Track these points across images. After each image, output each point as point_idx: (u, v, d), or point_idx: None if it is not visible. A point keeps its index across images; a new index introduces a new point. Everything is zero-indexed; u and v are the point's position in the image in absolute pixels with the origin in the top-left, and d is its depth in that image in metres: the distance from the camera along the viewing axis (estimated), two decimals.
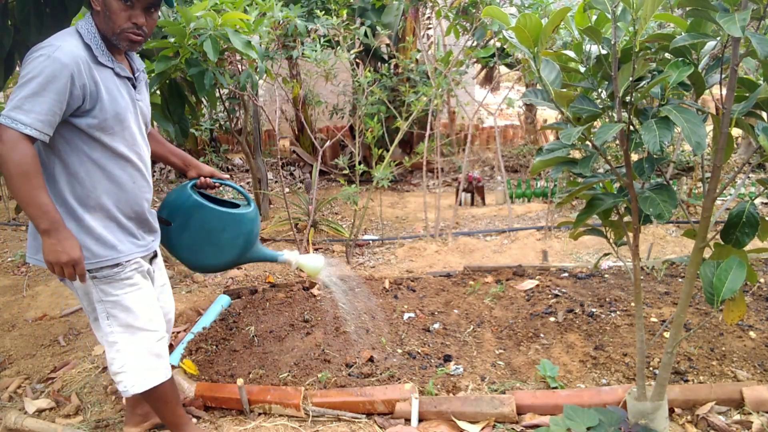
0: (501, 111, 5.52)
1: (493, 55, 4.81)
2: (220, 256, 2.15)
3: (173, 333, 2.93)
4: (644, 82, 1.55)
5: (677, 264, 3.48)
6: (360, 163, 4.15)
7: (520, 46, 1.54)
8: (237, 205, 2.22)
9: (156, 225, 1.98)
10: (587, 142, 1.63)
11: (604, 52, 1.57)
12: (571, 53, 1.70)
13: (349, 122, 5.70)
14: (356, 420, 2.19)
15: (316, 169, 4.30)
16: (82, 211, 1.75)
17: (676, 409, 2.11)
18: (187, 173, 2.20)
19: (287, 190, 6.18)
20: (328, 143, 4.42)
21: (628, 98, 1.53)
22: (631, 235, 1.79)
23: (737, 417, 2.06)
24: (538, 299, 3.09)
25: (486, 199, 5.69)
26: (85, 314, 3.36)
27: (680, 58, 1.49)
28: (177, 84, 3.08)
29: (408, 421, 2.16)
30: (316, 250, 4.42)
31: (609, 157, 1.66)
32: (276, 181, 6.68)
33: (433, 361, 2.53)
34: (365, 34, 4.53)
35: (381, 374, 2.41)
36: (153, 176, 2.20)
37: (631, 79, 1.49)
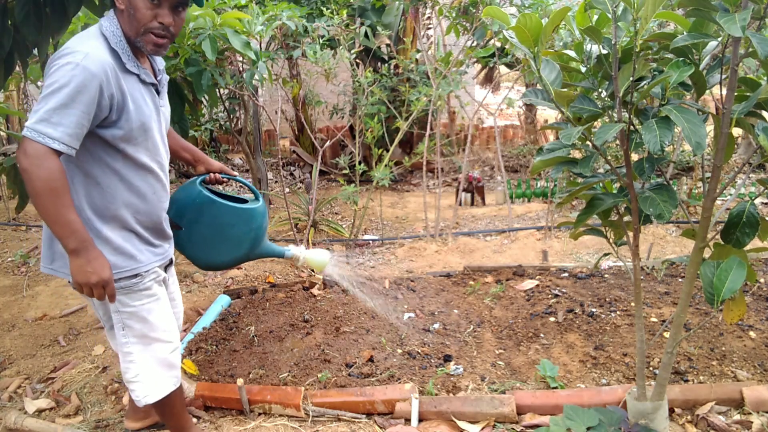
0: (501, 111, 5.51)
1: (493, 55, 4.81)
2: (230, 252, 2.12)
3: None
4: (645, 82, 1.55)
5: (677, 264, 3.48)
6: (360, 163, 4.15)
7: (520, 45, 1.54)
8: (244, 201, 2.20)
9: (170, 231, 1.93)
10: (587, 142, 1.63)
11: (604, 51, 1.57)
12: (571, 53, 1.70)
13: (349, 122, 5.70)
14: (356, 420, 2.19)
15: (316, 169, 4.30)
16: (100, 222, 1.69)
17: (676, 409, 2.11)
18: (196, 168, 2.15)
19: (287, 190, 6.18)
20: (328, 143, 4.43)
21: (628, 98, 1.53)
22: (631, 235, 1.79)
23: (737, 417, 2.06)
24: (538, 299, 3.09)
25: (486, 199, 5.69)
26: (84, 314, 3.37)
27: (681, 58, 1.49)
28: (177, 84, 3.08)
29: (408, 421, 2.16)
30: None
31: (609, 157, 1.66)
32: (276, 181, 6.68)
33: (433, 361, 2.53)
34: (365, 35, 4.53)
35: (381, 374, 2.41)
36: None
37: (631, 79, 1.49)
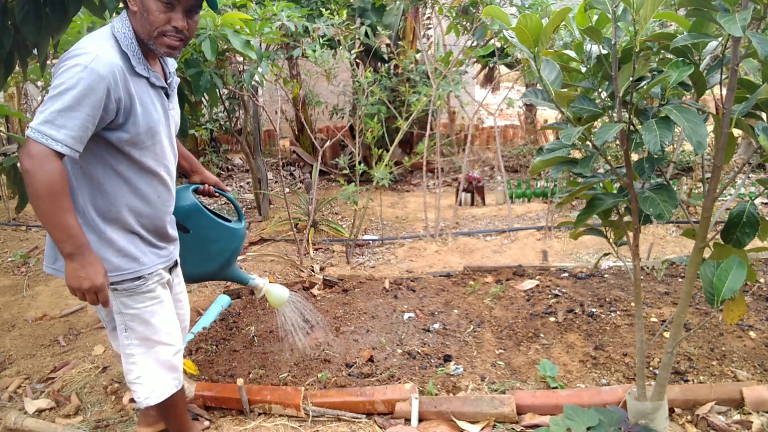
0: (501, 111, 5.51)
1: (492, 55, 4.81)
2: (201, 266, 2.12)
3: None
4: (645, 82, 1.55)
5: (677, 264, 3.48)
6: (360, 163, 4.15)
7: (520, 46, 1.54)
8: (227, 219, 2.21)
9: (175, 233, 1.91)
10: (587, 142, 1.63)
11: (604, 52, 1.57)
12: (571, 53, 1.70)
13: (349, 122, 5.70)
14: (356, 420, 2.19)
15: (316, 169, 4.30)
16: (103, 224, 1.67)
17: (676, 409, 2.11)
18: (191, 178, 2.15)
19: (287, 190, 6.18)
20: (328, 143, 4.43)
21: (628, 98, 1.53)
22: (631, 235, 1.79)
23: (737, 417, 2.06)
24: (538, 299, 3.09)
25: (486, 199, 5.69)
26: (84, 314, 3.37)
27: (681, 58, 1.49)
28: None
29: (408, 421, 2.16)
30: (316, 250, 4.42)
31: (609, 157, 1.66)
32: (276, 181, 6.68)
33: (433, 361, 2.53)
34: (365, 34, 4.53)
35: (381, 374, 2.41)
36: None
37: (631, 79, 1.49)
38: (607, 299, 3.02)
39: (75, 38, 2.85)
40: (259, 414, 2.26)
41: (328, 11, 4.29)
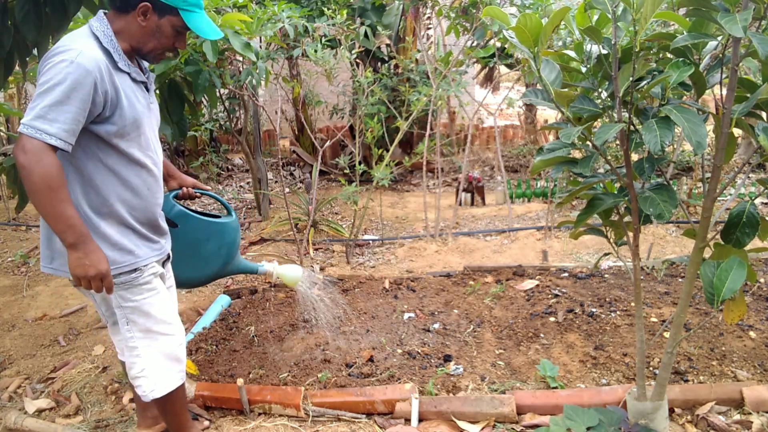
0: (501, 111, 5.51)
1: (493, 55, 4.81)
2: (203, 269, 2.13)
3: None
4: (645, 82, 1.55)
5: (677, 264, 3.48)
6: (360, 163, 4.15)
7: (520, 46, 1.54)
8: (217, 216, 2.21)
9: (166, 226, 1.95)
10: (587, 142, 1.63)
11: (604, 52, 1.57)
12: (571, 53, 1.70)
13: (349, 122, 5.70)
14: (356, 420, 2.19)
15: (316, 169, 4.30)
16: (97, 218, 1.71)
17: (676, 409, 2.11)
18: (168, 184, 2.16)
19: (287, 190, 6.18)
20: (328, 143, 4.43)
21: (628, 98, 1.53)
22: (631, 235, 1.79)
23: (737, 417, 2.06)
24: (538, 299, 3.09)
25: (486, 199, 5.69)
26: (84, 314, 3.37)
27: (681, 58, 1.49)
28: (176, 84, 3.08)
29: (408, 421, 2.16)
30: (316, 250, 4.42)
31: (609, 157, 1.66)
32: (276, 181, 6.68)
33: (433, 361, 2.53)
34: (365, 34, 4.52)
35: (381, 374, 2.41)
36: None
37: (631, 79, 1.49)
38: (607, 299, 3.02)
39: None
40: (259, 414, 2.26)
41: (329, 11, 4.29)
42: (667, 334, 2.55)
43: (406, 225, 5.11)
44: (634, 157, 1.70)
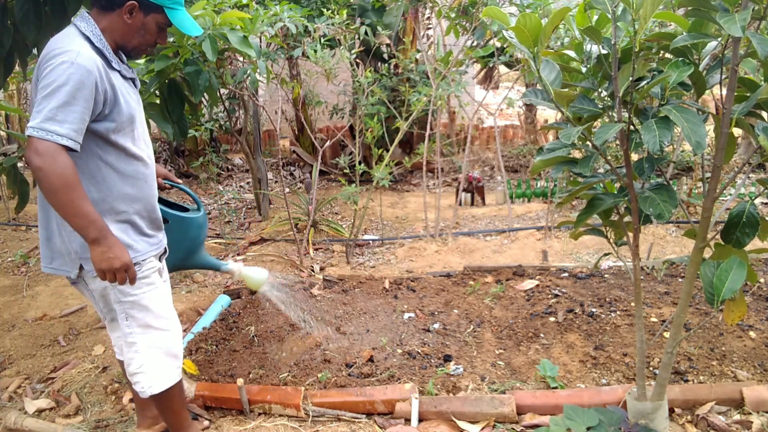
0: (501, 111, 5.51)
1: (492, 55, 4.81)
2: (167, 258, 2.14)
3: None
4: (644, 82, 1.55)
5: (677, 264, 3.48)
6: (360, 163, 4.15)
7: (520, 46, 1.54)
8: (186, 209, 2.22)
9: (162, 222, 1.98)
10: (587, 142, 1.63)
11: (604, 52, 1.57)
12: (571, 53, 1.70)
13: (349, 122, 5.70)
14: (356, 420, 2.19)
15: (316, 169, 4.30)
16: None
17: (676, 409, 2.11)
18: None
19: (287, 190, 6.18)
20: (328, 143, 4.43)
21: (628, 98, 1.53)
22: (631, 235, 1.79)
23: (737, 417, 2.06)
24: (538, 299, 3.09)
25: (486, 199, 5.69)
26: (84, 314, 3.37)
27: (680, 58, 1.49)
28: (176, 83, 3.08)
29: (408, 421, 2.16)
30: (316, 250, 4.42)
31: (609, 157, 1.66)
32: (276, 181, 6.68)
33: (433, 361, 2.53)
34: (366, 34, 4.52)
35: (381, 374, 2.41)
36: None
37: (631, 79, 1.49)
38: (607, 299, 3.02)
39: None
40: (259, 414, 2.26)
41: (329, 11, 4.29)
42: (667, 334, 2.55)
43: (406, 225, 5.11)
44: (634, 157, 1.70)
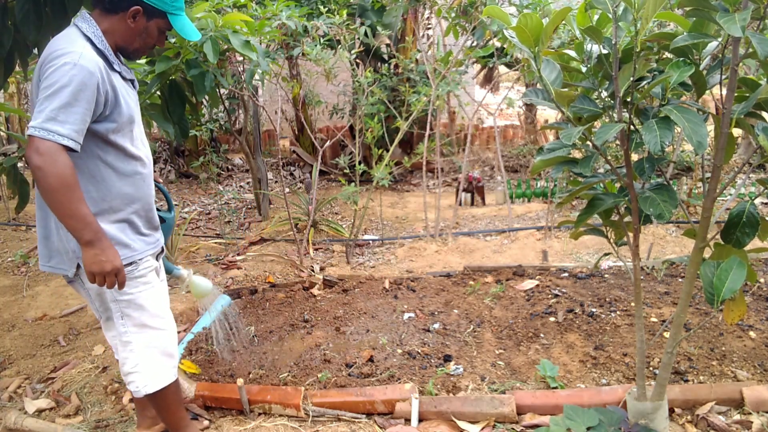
0: (501, 111, 5.52)
1: (492, 55, 4.81)
2: None
3: None
4: (645, 82, 1.55)
5: (677, 264, 3.48)
6: (360, 163, 4.15)
7: (520, 45, 1.54)
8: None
9: (158, 220, 1.98)
10: (588, 142, 1.63)
11: (605, 51, 1.57)
12: (572, 53, 1.70)
13: (349, 122, 5.70)
14: (356, 420, 2.19)
15: (316, 169, 4.30)
16: (95, 215, 1.72)
17: (676, 409, 2.11)
18: None
19: (287, 190, 6.18)
20: (328, 143, 4.43)
21: (628, 98, 1.53)
22: (631, 235, 1.79)
23: (737, 417, 2.06)
24: (538, 299, 3.09)
25: (486, 199, 5.69)
26: (84, 314, 3.37)
27: (681, 58, 1.49)
28: (177, 84, 3.08)
29: (408, 421, 2.16)
30: (316, 250, 4.42)
31: (609, 157, 1.66)
32: (276, 181, 6.68)
33: (433, 361, 2.53)
34: (365, 34, 4.52)
35: (381, 374, 2.41)
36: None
37: (632, 78, 1.49)
38: (607, 299, 3.02)
39: None
40: (259, 414, 2.26)
41: (328, 10, 4.29)
42: (667, 334, 2.55)
43: (406, 225, 5.12)
44: (635, 157, 1.70)
